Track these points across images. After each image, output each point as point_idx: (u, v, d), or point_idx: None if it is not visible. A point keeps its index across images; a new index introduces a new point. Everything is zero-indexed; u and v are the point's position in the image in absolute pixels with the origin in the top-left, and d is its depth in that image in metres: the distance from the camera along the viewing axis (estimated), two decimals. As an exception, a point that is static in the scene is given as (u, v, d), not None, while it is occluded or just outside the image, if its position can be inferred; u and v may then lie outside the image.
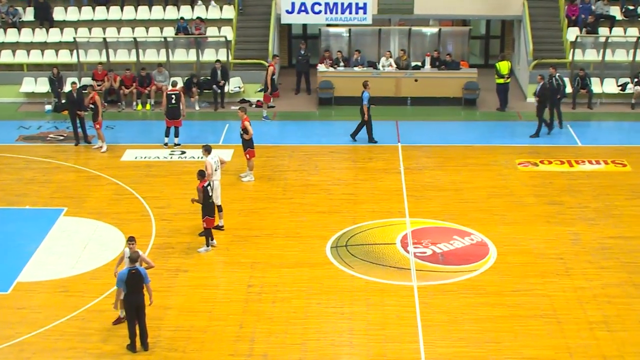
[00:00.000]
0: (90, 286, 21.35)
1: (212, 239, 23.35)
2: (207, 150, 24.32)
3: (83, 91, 31.61)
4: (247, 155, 27.69)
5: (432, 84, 33.47)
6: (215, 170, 24.09)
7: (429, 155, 30.56)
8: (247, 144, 27.53)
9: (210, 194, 22.86)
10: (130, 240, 19.28)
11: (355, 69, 36.55)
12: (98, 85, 34.67)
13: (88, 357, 18.50)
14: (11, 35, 38.04)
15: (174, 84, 31.42)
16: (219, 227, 24.10)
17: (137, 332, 18.56)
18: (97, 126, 30.37)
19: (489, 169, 29.01)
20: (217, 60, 36.01)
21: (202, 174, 22.86)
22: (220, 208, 24.29)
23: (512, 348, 18.69)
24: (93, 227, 24.66)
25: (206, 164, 23.97)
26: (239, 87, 36.65)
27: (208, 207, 22.85)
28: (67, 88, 35.83)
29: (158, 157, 30.03)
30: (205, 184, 22.69)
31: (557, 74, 32.69)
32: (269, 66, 34.37)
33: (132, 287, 18.25)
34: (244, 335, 19.16)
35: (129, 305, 18.40)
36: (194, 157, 29.52)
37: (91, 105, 30.23)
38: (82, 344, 18.89)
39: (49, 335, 19.27)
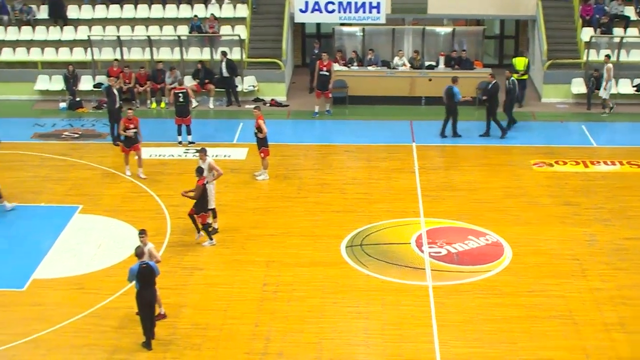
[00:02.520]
0: (105, 283, 21.40)
1: (210, 238, 23.56)
2: (204, 151, 24.53)
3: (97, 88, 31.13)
4: (262, 154, 27.73)
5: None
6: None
7: (443, 155, 30.55)
8: (262, 143, 27.57)
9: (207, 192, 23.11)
10: (141, 233, 19.47)
11: (369, 68, 36.54)
12: (115, 82, 34.48)
13: (103, 353, 18.53)
14: (25, 33, 38.17)
15: (181, 83, 31.46)
16: (214, 230, 24.03)
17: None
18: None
19: (504, 169, 28.97)
20: (222, 52, 35.95)
21: (200, 171, 23.12)
22: (215, 212, 24.32)
23: (528, 349, 18.65)
24: (108, 225, 24.71)
25: (212, 163, 24.29)
26: (253, 86, 36.64)
27: (204, 204, 23.08)
28: (82, 86, 36.09)
29: (172, 155, 30.05)
30: (205, 181, 22.93)
31: (512, 78, 32.68)
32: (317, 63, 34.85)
33: (144, 282, 18.28)
34: (260, 334, 19.16)
35: (143, 301, 18.43)
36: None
37: (133, 130, 27.85)
38: (97, 341, 18.93)
39: (64, 332, 19.31)
